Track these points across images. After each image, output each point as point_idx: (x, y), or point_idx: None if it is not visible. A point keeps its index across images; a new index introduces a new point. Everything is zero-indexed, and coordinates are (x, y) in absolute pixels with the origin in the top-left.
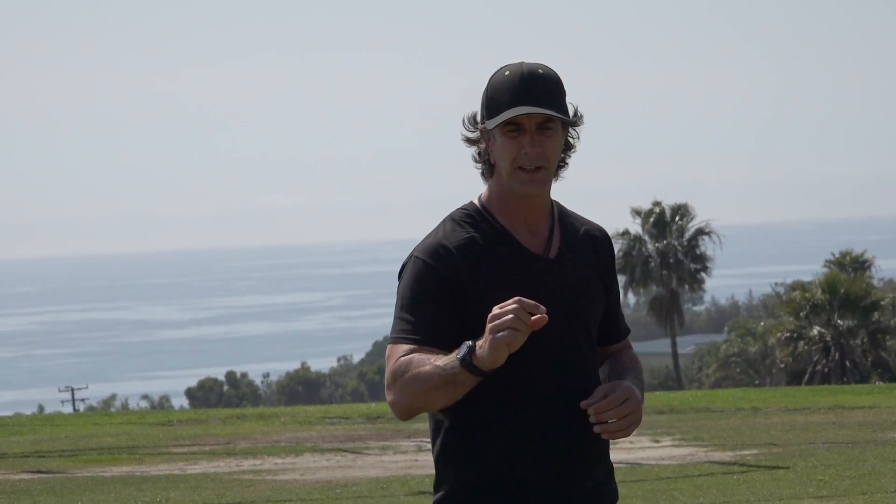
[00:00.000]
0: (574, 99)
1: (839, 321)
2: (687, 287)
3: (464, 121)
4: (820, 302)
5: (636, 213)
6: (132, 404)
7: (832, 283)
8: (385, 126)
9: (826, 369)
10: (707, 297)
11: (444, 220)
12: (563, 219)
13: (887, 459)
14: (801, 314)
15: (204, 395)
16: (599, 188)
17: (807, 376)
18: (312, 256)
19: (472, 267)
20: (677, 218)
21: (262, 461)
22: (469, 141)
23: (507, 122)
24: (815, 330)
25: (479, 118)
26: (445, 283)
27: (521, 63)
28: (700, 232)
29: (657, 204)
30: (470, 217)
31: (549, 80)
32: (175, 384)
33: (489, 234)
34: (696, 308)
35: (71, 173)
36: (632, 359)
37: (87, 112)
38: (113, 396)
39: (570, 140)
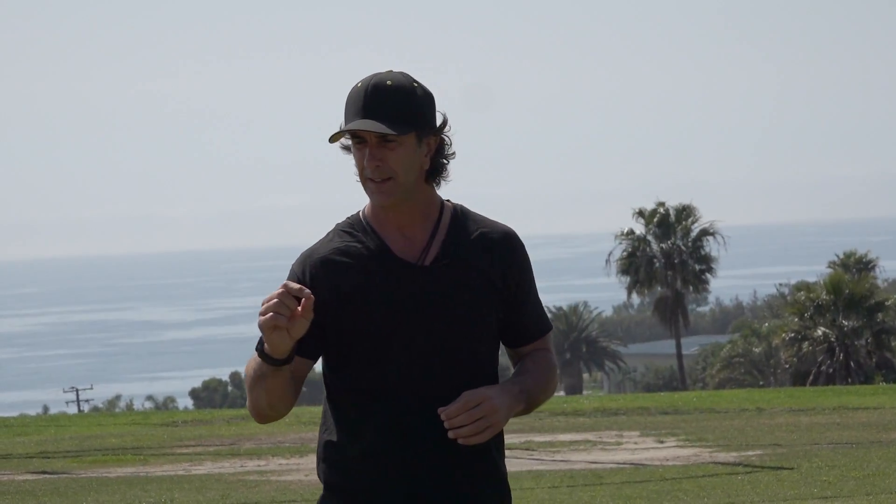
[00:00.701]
0: (578, 99)
1: (844, 322)
2: (691, 288)
3: (341, 128)
4: (824, 302)
5: (639, 214)
6: (137, 405)
7: (836, 284)
8: None
9: (830, 370)
10: (712, 298)
11: (331, 230)
12: (454, 224)
13: (892, 460)
14: (805, 315)
15: (208, 395)
16: (603, 189)
17: (811, 377)
18: None
19: (336, 277)
20: (682, 219)
21: (267, 462)
22: (346, 148)
23: (353, 135)
24: (820, 330)
25: None
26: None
27: (374, 75)
28: (704, 233)
29: (661, 205)
30: (351, 227)
31: (393, 92)
32: (179, 385)
33: (364, 243)
34: (700, 309)
35: (74, 174)
36: (536, 361)
37: (91, 113)
38: (117, 397)
39: (444, 147)
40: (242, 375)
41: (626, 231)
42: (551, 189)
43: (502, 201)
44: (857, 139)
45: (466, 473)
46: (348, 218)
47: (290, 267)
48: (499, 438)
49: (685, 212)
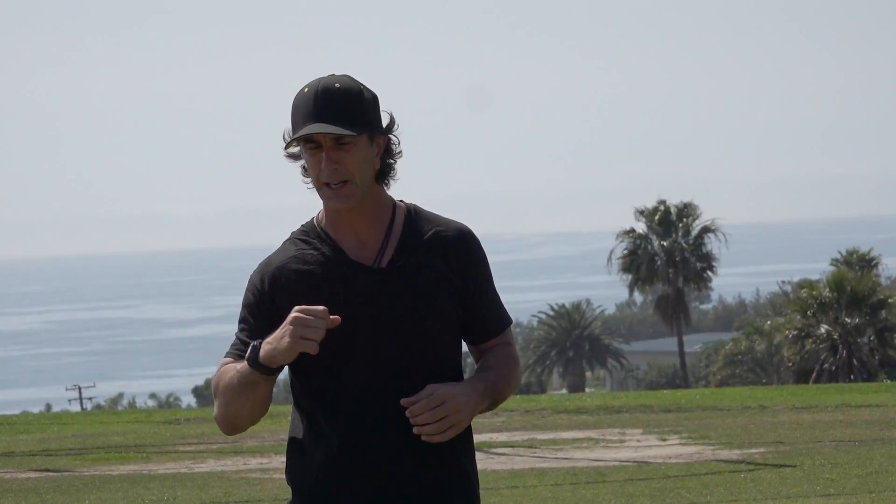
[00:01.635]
0: (583, 98)
1: (846, 319)
2: (693, 285)
3: (284, 136)
4: (827, 300)
5: (640, 213)
6: (139, 403)
7: (839, 282)
8: None
9: (833, 367)
10: (714, 296)
11: (286, 239)
12: (408, 224)
13: (894, 458)
14: (808, 312)
15: (211, 393)
16: (609, 186)
17: (814, 375)
18: None
19: (294, 285)
20: (683, 216)
21: (270, 460)
22: (292, 156)
23: (306, 140)
24: (823, 328)
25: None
26: (266, 303)
27: (321, 78)
28: (706, 230)
29: (662, 203)
30: (305, 234)
31: (343, 94)
32: (182, 382)
33: (319, 249)
34: (703, 307)
35: (78, 173)
36: (497, 356)
37: (95, 111)
38: (120, 395)
39: (392, 147)
40: (214, 388)
41: (627, 229)
42: (556, 187)
43: (507, 199)
44: (860, 137)
45: (431, 474)
46: (302, 226)
47: (249, 277)
48: (466, 437)
49: (686, 209)
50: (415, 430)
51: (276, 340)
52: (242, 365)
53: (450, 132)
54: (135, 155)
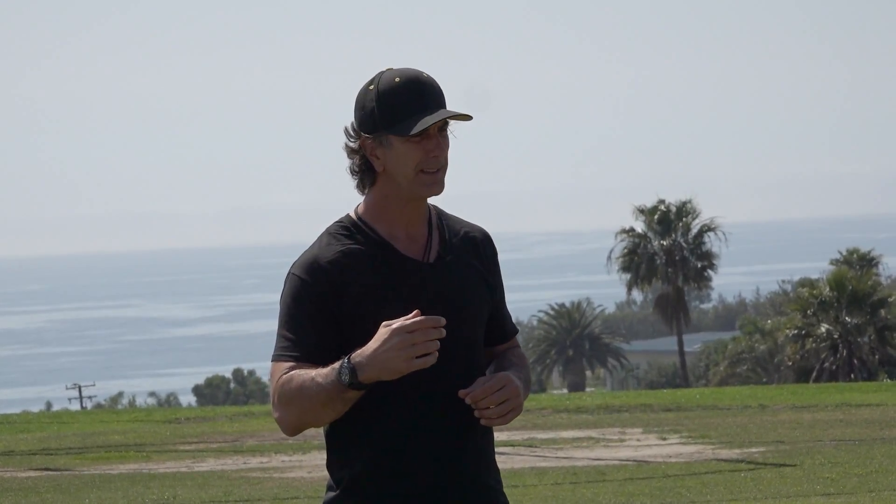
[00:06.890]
0: (585, 97)
1: (847, 318)
2: (693, 285)
3: (346, 131)
4: (827, 299)
5: (639, 211)
6: (139, 402)
7: (840, 281)
8: None
9: (834, 367)
10: (715, 295)
11: (322, 235)
12: (443, 222)
13: (894, 457)
14: (808, 311)
15: (211, 392)
16: (610, 185)
17: (814, 374)
18: None
19: (347, 279)
20: (682, 215)
21: (270, 459)
22: (352, 151)
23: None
24: (823, 327)
25: (356, 127)
26: (320, 298)
27: (403, 69)
28: (705, 229)
29: (662, 201)
30: (346, 229)
31: (436, 83)
32: (182, 382)
33: (366, 244)
34: (703, 306)
35: (79, 171)
36: (517, 356)
37: (97, 110)
38: (120, 394)
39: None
40: (278, 390)
41: (626, 228)
42: (556, 186)
43: (507, 198)
44: (861, 136)
45: (482, 463)
46: (337, 222)
47: (290, 276)
48: (492, 438)
49: (686, 208)
50: (476, 413)
51: (377, 362)
52: (329, 380)
53: (449, 132)
54: (135, 154)
